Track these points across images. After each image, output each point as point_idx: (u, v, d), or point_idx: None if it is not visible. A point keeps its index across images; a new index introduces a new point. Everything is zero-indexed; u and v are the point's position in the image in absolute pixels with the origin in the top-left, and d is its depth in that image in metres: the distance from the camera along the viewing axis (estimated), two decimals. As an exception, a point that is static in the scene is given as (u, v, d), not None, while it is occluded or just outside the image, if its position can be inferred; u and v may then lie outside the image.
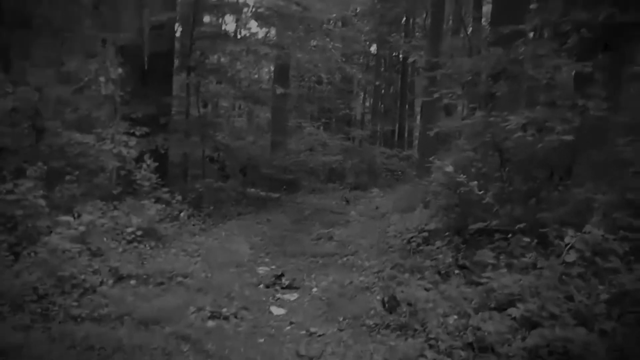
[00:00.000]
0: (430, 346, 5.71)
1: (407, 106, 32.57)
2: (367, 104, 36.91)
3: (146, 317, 6.19)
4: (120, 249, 9.09)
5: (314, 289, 8.27)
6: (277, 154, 19.79)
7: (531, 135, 8.50)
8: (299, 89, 27.47)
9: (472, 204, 10.71)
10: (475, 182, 7.29)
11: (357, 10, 27.91)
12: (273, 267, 9.68)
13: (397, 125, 31.86)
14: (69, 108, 11.42)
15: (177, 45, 16.57)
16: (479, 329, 5.77)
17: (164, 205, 12.04)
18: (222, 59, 15.91)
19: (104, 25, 13.75)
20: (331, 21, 25.24)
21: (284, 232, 13.10)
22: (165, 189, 12.30)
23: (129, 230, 9.63)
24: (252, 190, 17.45)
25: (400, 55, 31.48)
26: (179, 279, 7.90)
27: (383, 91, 31.56)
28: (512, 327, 5.76)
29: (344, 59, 23.68)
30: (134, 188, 11.62)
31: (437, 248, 9.29)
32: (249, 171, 17.83)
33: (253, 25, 22.13)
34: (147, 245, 9.61)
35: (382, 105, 31.35)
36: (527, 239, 7.11)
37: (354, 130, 29.29)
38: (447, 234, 10.14)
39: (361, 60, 31.56)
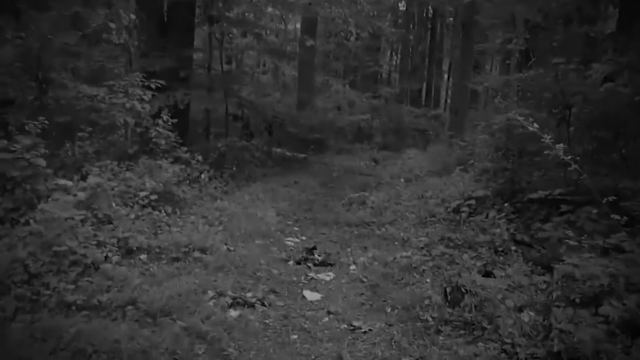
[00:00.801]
0: (507, 354, 4.39)
1: (435, 64, 30.90)
2: (394, 62, 35.20)
3: (154, 307, 4.92)
4: (132, 216, 7.85)
5: (352, 267, 6.97)
6: (303, 112, 18.40)
7: (623, 86, 6.98)
8: (327, 45, 25.84)
9: (525, 167, 9.35)
10: (562, 145, 5.79)
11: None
12: (303, 237, 8.41)
13: (424, 84, 30.21)
14: (77, 58, 9.96)
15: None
16: (566, 332, 4.42)
17: (183, 166, 10.80)
18: (247, 13, 14.36)
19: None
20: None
21: (313, 196, 11.81)
22: (185, 149, 11.02)
23: (143, 194, 8.37)
24: (278, 150, 16.13)
25: (430, 12, 29.71)
26: (197, 254, 6.63)
27: (411, 49, 29.84)
28: (609, 332, 4.40)
29: (374, 13, 22.01)
30: (150, 147, 10.35)
31: (489, 219, 7.93)
32: (275, 130, 16.48)
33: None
34: (163, 211, 8.35)
35: (411, 63, 29.67)
36: (615, 215, 5.66)
37: (382, 88, 27.69)
38: (495, 202, 8.82)
39: (389, 17, 29.74)
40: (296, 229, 8.98)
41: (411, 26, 29.59)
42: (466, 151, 14.04)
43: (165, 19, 13.51)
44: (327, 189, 12.98)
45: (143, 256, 6.55)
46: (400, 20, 30.51)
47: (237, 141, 12.34)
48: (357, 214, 10.06)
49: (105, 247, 6.43)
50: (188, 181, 10.50)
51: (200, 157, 11.08)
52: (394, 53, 35.17)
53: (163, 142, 10.06)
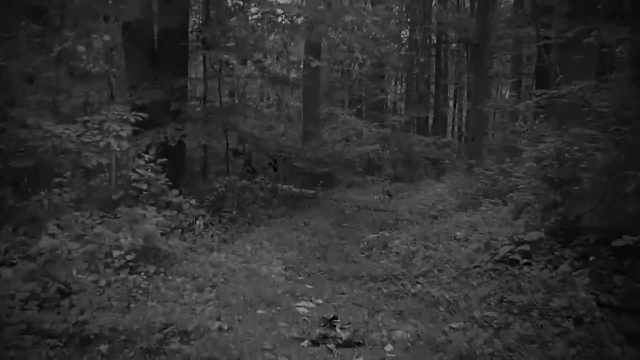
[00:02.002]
0: None
1: (441, 91, 29.14)
2: (399, 90, 33.48)
3: None
4: (103, 283, 5.95)
5: (388, 348, 4.98)
6: (309, 145, 16.51)
7: None
8: (331, 73, 24.07)
9: (578, 201, 7.42)
10: None
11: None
12: (319, 301, 6.42)
13: (432, 112, 28.39)
14: (41, 89, 8.16)
15: (191, 21, 13.33)
16: None
17: (175, 212, 8.92)
18: (244, 32, 12.56)
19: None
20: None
21: (326, 240, 9.85)
22: (176, 191, 9.15)
23: (117, 254, 6.47)
24: (285, 186, 14.22)
25: (434, 39, 28.02)
26: (175, 342, 4.68)
27: (415, 76, 28.07)
28: None
29: (380, 39, 20.25)
30: (132, 193, 8.48)
31: (557, 273, 5.94)
32: (280, 165, 14.62)
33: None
34: (142, 274, 6.45)
35: (416, 91, 27.89)
36: None
37: (390, 117, 25.83)
38: (552, 246, 6.87)
39: (393, 45, 28.03)
40: (309, 287, 7.00)
41: (415, 53, 27.83)
42: (491, 181, 12.12)
43: (156, 48, 11.75)
44: (340, 230, 11.02)
45: (103, 347, 4.60)
46: (403, 49, 28.85)
47: (237, 180, 10.43)
48: (380, 262, 8.10)
49: (49, 336, 4.52)
50: (180, 230, 8.65)
51: (193, 201, 9.22)
52: (398, 82, 33.43)
53: (145, 185, 8.13)
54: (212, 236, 8.85)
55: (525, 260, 6.42)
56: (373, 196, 16.37)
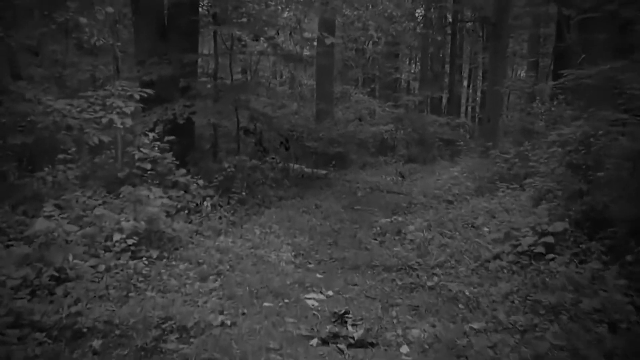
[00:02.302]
0: None
1: (456, 71, 28.42)
2: (413, 69, 32.75)
3: None
4: (102, 269, 5.56)
5: (404, 349, 4.53)
6: (322, 124, 16.00)
7: None
8: (345, 52, 23.39)
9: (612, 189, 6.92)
10: None
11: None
12: (329, 292, 5.98)
13: (446, 92, 27.70)
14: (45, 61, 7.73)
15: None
16: None
17: (182, 193, 8.52)
18: (257, 7, 11.97)
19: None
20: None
21: (338, 224, 9.42)
22: (183, 171, 8.74)
23: (117, 237, 6.07)
24: (297, 166, 13.77)
25: (450, 18, 27.22)
26: (174, 339, 4.28)
27: (430, 55, 27.35)
28: None
29: (396, 16, 19.53)
30: (142, 172, 8.08)
31: (586, 270, 5.47)
32: (292, 144, 14.15)
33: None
34: (144, 259, 6.05)
35: (431, 70, 27.18)
36: None
37: (404, 96, 25.18)
38: (577, 238, 6.40)
39: (409, 24, 27.25)
40: (319, 276, 6.56)
41: (431, 32, 27.05)
42: (508, 165, 11.59)
43: (166, 22, 11.25)
44: (353, 213, 10.58)
45: (96, 343, 4.21)
46: (418, 28, 28.10)
47: (246, 160, 9.97)
48: (394, 249, 7.67)
49: (37, 330, 4.15)
50: (187, 211, 8.24)
51: (201, 181, 8.79)
52: (412, 61, 32.68)
53: (149, 165, 7.72)
54: (219, 218, 8.45)
55: (551, 255, 5.96)
56: (386, 177, 15.92)
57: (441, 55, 28.78)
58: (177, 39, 11.02)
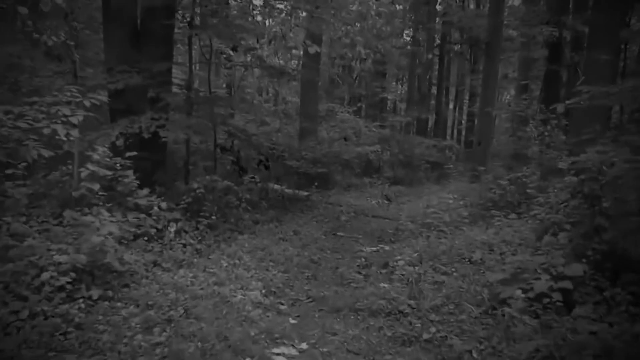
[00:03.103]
0: None
1: (444, 93, 27.55)
2: (400, 90, 31.83)
3: None
4: (25, 314, 4.38)
5: None
6: (306, 143, 14.87)
7: None
8: (332, 68, 22.35)
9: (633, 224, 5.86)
10: None
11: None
12: (303, 346, 4.81)
13: (433, 114, 26.77)
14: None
15: None
16: None
17: (143, 216, 7.34)
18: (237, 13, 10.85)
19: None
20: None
21: (317, 254, 8.26)
22: (145, 191, 7.57)
23: (45, 276, 4.87)
24: (277, 186, 12.61)
25: (438, 40, 26.38)
26: None
27: (418, 77, 26.39)
28: None
29: (384, 32, 18.56)
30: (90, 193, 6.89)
31: (617, 329, 4.37)
32: (273, 164, 13.01)
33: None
34: (81, 301, 4.86)
35: (418, 91, 26.22)
36: None
37: (392, 116, 24.16)
38: (600, 283, 5.33)
39: (397, 42, 26.32)
40: (292, 322, 5.39)
41: (419, 51, 26.14)
42: (504, 191, 10.52)
43: (139, 27, 10.11)
44: (335, 241, 9.45)
45: None
46: (407, 46, 27.24)
47: (218, 180, 8.80)
48: (380, 286, 6.50)
49: None
50: (146, 238, 7.05)
51: (164, 204, 7.61)
52: (399, 82, 31.75)
53: (97, 186, 6.55)
54: (184, 246, 7.28)
55: (569, 303, 4.86)
56: (371, 200, 14.83)
57: (428, 77, 27.91)
58: (150, 46, 9.88)
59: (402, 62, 25.76)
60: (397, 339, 4.93)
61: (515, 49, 20.10)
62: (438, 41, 26.52)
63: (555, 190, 7.24)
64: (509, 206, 10.09)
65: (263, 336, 4.80)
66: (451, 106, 32.22)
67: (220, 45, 12.94)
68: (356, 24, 16.54)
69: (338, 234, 10.11)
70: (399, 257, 7.80)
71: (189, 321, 4.82)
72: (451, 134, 32.27)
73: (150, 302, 5.12)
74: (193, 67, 11.12)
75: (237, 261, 6.95)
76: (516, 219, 9.12)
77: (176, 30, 10.81)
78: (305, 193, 13.12)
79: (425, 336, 4.87)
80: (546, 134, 12.85)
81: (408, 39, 26.89)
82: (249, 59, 13.16)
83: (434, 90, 27.90)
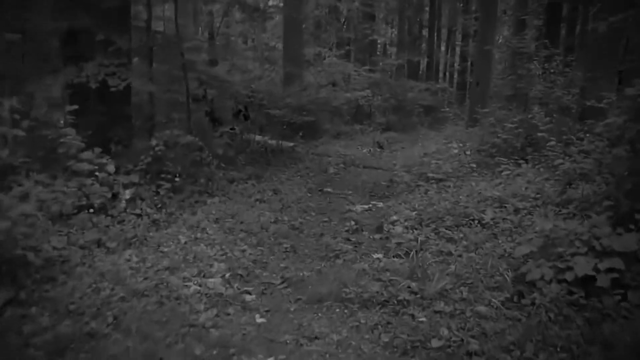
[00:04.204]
0: None
1: (436, 35, 25.71)
2: (390, 33, 29.90)
3: None
4: None
5: None
6: (291, 90, 13.28)
7: None
8: (317, 9, 20.42)
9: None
10: None
11: None
12: (270, 361, 3.45)
13: (426, 56, 25.02)
14: None
15: None
16: None
17: (91, 182, 5.91)
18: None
19: None
20: None
21: (300, 217, 6.89)
22: (92, 153, 6.11)
23: None
24: (259, 138, 11.13)
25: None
26: None
27: (408, 18, 24.46)
28: None
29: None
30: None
31: None
32: (255, 113, 11.47)
33: None
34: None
35: (409, 33, 24.38)
36: None
37: (382, 60, 22.37)
38: None
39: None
40: (260, 321, 4.00)
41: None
42: (512, 135, 9.06)
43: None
44: (321, 199, 8.05)
45: None
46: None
47: (180, 134, 7.28)
48: (373, 261, 5.11)
49: None
50: (91, 210, 5.64)
51: (112, 167, 6.16)
52: (389, 25, 29.70)
53: (6, 152, 5.10)
54: (139, 217, 5.86)
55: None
56: (362, 149, 13.39)
57: (419, 18, 26.02)
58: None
59: (392, 3, 23.76)
60: (397, 346, 3.56)
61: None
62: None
63: (587, 136, 5.78)
64: (517, 152, 8.67)
65: (215, 352, 3.42)
66: (443, 48, 30.35)
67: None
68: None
69: (325, 190, 8.70)
70: (394, 218, 6.45)
71: (114, 337, 3.43)
72: (443, 76, 30.50)
73: (70, 306, 3.74)
74: (159, 6, 9.47)
75: (199, 234, 5.55)
76: (526, 166, 7.73)
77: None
78: (291, 144, 11.64)
79: (436, 343, 3.49)
80: (552, 71, 11.35)
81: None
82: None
83: (425, 32, 26.09)
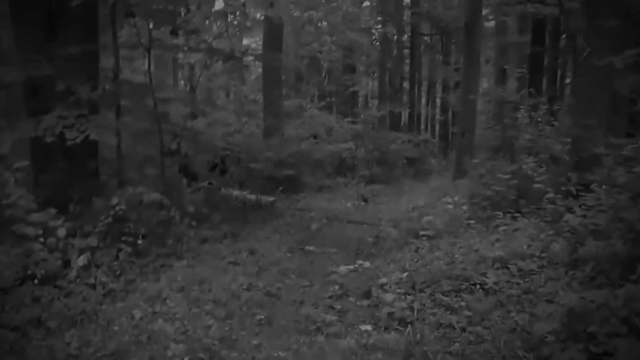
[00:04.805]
0: None
1: (417, 87, 25.46)
2: (371, 85, 29.68)
3: None
4: None
5: None
6: (271, 143, 12.59)
7: None
8: (297, 60, 19.98)
9: None
10: None
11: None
12: None
13: (408, 108, 24.66)
14: None
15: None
16: None
17: (40, 246, 5.10)
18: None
19: None
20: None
21: (277, 281, 6.05)
22: (46, 214, 5.33)
23: None
24: (237, 193, 10.37)
25: (408, 34, 24.27)
26: None
27: (389, 70, 24.20)
28: None
29: (352, 13, 16.31)
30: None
31: None
32: (234, 167, 10.74)
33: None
34: None
35: (390, 85, 24.08)
36: None
37: (365, 111, 21.89)
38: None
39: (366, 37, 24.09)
40: None
41: (390, 43, 23.93)
42: (506, 187, 8.38)
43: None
44: (302, 260, 7.23)
45: None
46: (376, 41, 25.05)
47: (144, 192, 6.50)
48: (362, 336, 4.29)
49: None
50: (35, 281, 4.80)
51: (62, 230, 5.36)
52: (370, 76, 29.49)
53: None
54: (92, 288, 5.00)
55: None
56: (346, 202, 12.64)
57: (400, 70, 25.77)
58: (64, 28, 7.57)
59: (372, 55, 23.51)
60: None
61: (492, 32, 18.09)
62: (408, 34, 24.44)
63: (602, 187, 5.09)
64: (510, 205, 7.98)
65: None
66: (424, 100, 30.15)
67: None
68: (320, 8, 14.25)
69: (306, 248, 7.89)
70: (384, 280, 5.67)
71: None
72: (425, 128, 30.17)
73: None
74: (126, 55, 8.82)
75: (158, 307, 4.69)
76: (524, 221, 7.04)
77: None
78: (271, 199, 10.88)
79: None
80: (539, 119, 10.85)
81: (379, 27, 24.63)
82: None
83: (406, 84, 25.86)
